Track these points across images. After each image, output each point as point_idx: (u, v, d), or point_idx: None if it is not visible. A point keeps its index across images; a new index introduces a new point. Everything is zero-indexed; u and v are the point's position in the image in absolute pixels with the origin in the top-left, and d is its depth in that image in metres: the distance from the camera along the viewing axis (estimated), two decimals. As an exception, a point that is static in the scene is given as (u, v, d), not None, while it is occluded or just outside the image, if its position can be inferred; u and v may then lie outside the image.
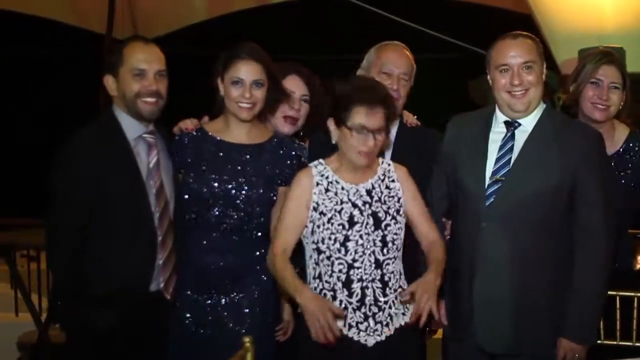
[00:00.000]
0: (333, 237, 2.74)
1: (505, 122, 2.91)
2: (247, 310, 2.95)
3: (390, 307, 2.78)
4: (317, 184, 2.79)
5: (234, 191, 2.93)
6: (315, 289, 2.78)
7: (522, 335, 2.84)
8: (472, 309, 2.86)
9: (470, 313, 2.87)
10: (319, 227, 2.76)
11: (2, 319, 5.51)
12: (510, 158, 2.86)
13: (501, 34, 2.92)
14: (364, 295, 2.75)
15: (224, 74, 2.94)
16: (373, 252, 2.76)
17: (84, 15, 7.27)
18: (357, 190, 2.80)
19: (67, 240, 2.83)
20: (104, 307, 2.82)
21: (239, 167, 2.95)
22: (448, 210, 3.06)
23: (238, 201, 2.93)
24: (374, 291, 2.76)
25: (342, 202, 2.77)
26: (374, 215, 2.78)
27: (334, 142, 2.82)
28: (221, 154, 2.96)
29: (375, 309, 2.76)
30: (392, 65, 3.26)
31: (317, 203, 2.77)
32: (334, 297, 2.75)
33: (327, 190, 2.79)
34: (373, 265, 2.75)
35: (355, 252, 2.74)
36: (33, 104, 8.42)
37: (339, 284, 2.75)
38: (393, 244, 2.79)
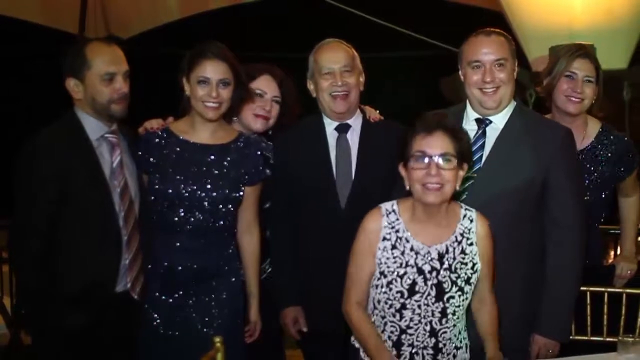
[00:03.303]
0: (389, 302, 2.59)
1: (477, 120, 2.91)
2: (216, 311, 2.93)
3: None
4: (384, 238, 2.58)
5: (199, 192, 2.89)
6: None
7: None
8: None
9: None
10: (376, 287, 2.60)
11: (-27, 322, 5.44)
12: (482, 155, 2.86)
13: (473, 32, 2.91)
14: (412, 359, 2.61)
15: (190, 73, 2.90)
16: (430, 322, 2.59)
17: (55, 15, 7.18)
18: (428, 252, 2.57)
19: (31, 241, 2.78)
20: (70, 308, 2.78)
21: (204, 168, 2.92)
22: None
23: (204, 202, 2.90)
24: (423, 357, 2.60)
25: (406, 265, 2.56)
26: (439, 285, 2.56)
27: (407, 188, 2.58)
28: (186, 154, 2.93)
29: None
30: (329, 64, 3.18)
31: (380, 260, 2.58)
32: None
33: (393, 247, 2.57)
34: (427, 334, 2.59)
35: (411, 320, 2.58)
36: (0, 104, 8.29)
37: (389, 342, 2.61)
38: (454, 314, 2.60)
